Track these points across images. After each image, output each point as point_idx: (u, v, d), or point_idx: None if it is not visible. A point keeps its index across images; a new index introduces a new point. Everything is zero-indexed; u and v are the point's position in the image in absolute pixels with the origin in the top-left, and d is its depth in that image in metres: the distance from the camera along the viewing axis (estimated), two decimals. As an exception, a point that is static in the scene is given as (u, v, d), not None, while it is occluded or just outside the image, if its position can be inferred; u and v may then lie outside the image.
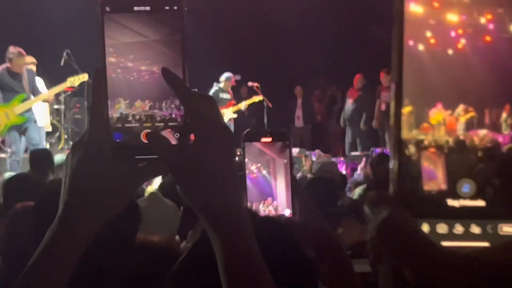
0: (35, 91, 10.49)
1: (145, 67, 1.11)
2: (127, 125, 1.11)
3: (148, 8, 1.09)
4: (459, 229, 0.77)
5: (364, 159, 9.12)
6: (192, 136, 1.08)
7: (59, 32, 14.07)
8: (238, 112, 13.61)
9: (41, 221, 1.93)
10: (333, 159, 11.80)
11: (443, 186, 0.76)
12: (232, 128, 13.88)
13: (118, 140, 1.10)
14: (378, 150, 13.78)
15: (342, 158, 13.12)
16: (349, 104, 14.91)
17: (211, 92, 13.53)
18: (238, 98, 14.14)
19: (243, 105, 13.62)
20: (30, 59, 10.76)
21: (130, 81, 1.11)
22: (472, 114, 0.77)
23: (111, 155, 1.08)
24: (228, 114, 13.40)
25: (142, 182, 1.14)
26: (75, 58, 12.65)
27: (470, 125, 0.77)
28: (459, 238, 0.76)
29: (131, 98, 1.11)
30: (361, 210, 1.98)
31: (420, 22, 0.81)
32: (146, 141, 1.09)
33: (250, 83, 14.20)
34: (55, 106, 13.02)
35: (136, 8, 1.09)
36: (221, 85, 13.59)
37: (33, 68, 10.88)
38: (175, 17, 1.10)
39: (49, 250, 1.07)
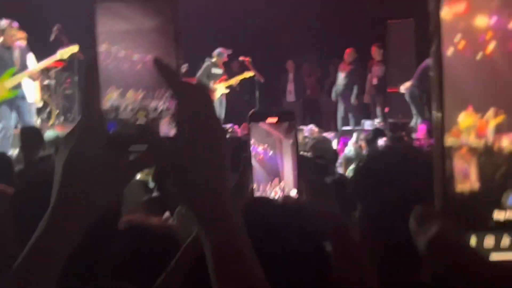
0: (25, 67, 10.38)
1: (137, 55, 1.09)
2: (120, 116, 1.10)
3: None
4: (506, 241, 0.77)
5: (354, 134, 9.14)
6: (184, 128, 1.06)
7: (49, 6, 13.97)
8: (229, 87, 13.59)
9: (23, 208, 1.90)
10: (325, 134, 11.81)
11: (489, 197, 0.76)
12: (223, 103, 13.93)
13: (112, 131, 1.08)
14: (369, 122, 13.83)
15: (333, 134, 13.13)
16: (341, 78, 14.89)
17: (204, 67, 13.50)
18: (229, 73, 14.11)
19: (234, 80, 13.59)
20: (21, 34, 10.65)
21: (122, 70, 1.10)
22: (503, 116, 0.77)
23: (105, 146, 1.06)
24: (220, 89, 13.37)
25: (135, 174, 1.11)
26: (65, 33, 12.53)
27: (500, 128, 0.77)
28: (507, 250, 0.76)
29: (123, 88, 1.10)
30: (353, 188, 1.98)
31: (451, 27, 0.81)
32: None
33: (241, 58, 14.16)
34: (46, 82, 12.95)
35: None
36: (214, 60, 13.56)
37: (24, 43, 10.77)
38: (168, 5, 1.09)
39: (42, 243, 1.05)
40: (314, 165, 4.34)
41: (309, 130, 12.28)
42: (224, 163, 1.05)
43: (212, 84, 13.43)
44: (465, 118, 0.77)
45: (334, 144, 9.29)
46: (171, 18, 1.09)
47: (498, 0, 0.80)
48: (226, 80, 13.66)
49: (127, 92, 1.10)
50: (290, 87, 16.35)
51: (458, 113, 0.77)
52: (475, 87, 0.78)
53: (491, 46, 0.80)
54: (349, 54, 14.74)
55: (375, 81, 14.59)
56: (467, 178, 0.75)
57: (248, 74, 13.56)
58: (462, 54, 0.80)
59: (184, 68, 12.73)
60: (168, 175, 1.05)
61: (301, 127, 12.06)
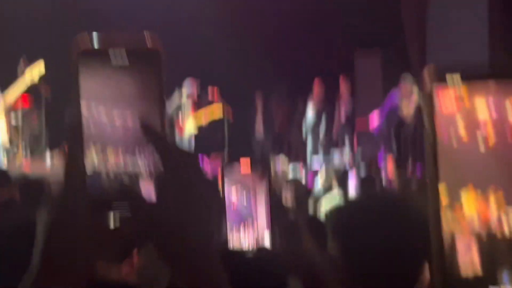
0: None
1: (117, 110, 1.06)
2: (101, 174, 1.06)
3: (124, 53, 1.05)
4: None
5: (323, 169, 9.16)
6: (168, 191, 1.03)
7: (15, 38, 13.92)
8: (199, 128, 13.63)
9: None
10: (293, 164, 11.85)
11: (485, 274, 0.77)
12: (192, 144, 13.90)
13: (93, 188, 1.05)
14: (337, 154, 13.89)
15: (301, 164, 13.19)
16: (309, 110, 14.93)
17: (173, 99, 13.49)
18: (198, 103, 14.14)
19: (203, 121, 13.63)
20: None
21: (101, 126, 1.06)
22: (501, 193, 0.80)
23: (88, 205, 1.03)
24: (189, 126, 13.39)
25: (119, 240, 1.08)
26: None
27: (500, 204, 0.81)
28: None
29: (102, 145, 1.06)
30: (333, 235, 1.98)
31: (448, 117, 0.88)
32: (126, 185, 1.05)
33: (209, 88, 14.21)
34: (13, 122, 12.85)
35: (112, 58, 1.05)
36: (183, 90, 13.61)
37: None
38: (153, 62, 1.06)
39: None
40: (286, 208, 4.37)
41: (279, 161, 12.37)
42: (211, 231, 1.05)
43: (181, 117, 13.43)
44: (467, 197, 0.80)
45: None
46: (156, 73, 1.06)
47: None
48: (196, 111, 13.69)
49: (106, 150, 1.06)
50: (259, 119, 16.34)
51: (460, 190, 0.80)
52: (474, 167, 0.82)
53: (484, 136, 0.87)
54: (317, 86, 14.83)
55: (343, 120, 14.62)
56: (466, 255, 0.76)
57: (217, 110, 13.59)
58: (459, 142, 0.87)
59: None
60: (151, 240, 1.03)
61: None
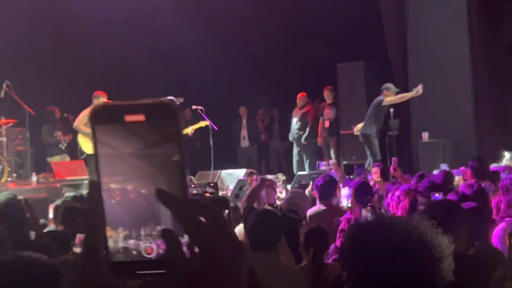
0: None
1: (116, 185, 1.00)
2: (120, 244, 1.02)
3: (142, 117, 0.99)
4: None
5: (310, 181, 9.15)
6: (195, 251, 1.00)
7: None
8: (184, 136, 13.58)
9: None
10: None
11: None
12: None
13: (115, 258, 1.01)
14: (323, 163, 13.92)
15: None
16: (294, 123, 15.00)
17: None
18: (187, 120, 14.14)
19: (189, 129, 13.59)
20: None
21: (116, 201, 1.00)
22: None
23: (110, 274, 1.00)
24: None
25: None
26: (15, 90, 12.46)
27: None
28: None
29: (118, 222, 1.01)
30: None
31: None
32: (149, 256, 1.00)
33: (194, 106, 14.17)
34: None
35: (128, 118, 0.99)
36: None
37: None
38: (174, 129, 0.99)
39: None
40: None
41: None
42: (241, 282, 1.01)
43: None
44: None
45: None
46: (177, 143, 0.99)
47: None
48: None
49: (124, 227, 1.01)
50: (244, 132, 16.44)
51: None
52: None
53: None
54: (300, 98, 14.88)
55: (327, 124, 14.73)
56: None
57: (204, 123, 13.56)
58: None
59: None
60: None
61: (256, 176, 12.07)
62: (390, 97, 12.33)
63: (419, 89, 11.99)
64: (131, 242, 1.00)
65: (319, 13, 14.99)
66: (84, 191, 10.72)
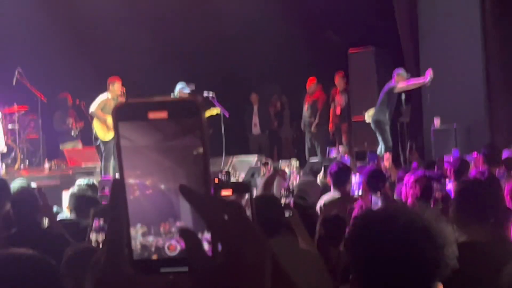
0: None
1: (134, 179, 0.99)
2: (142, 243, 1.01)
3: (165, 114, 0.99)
4: None
5: (322, 168, 9.14)
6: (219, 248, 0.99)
7: (9, 50, 13.92)
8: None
9: None
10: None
11: None
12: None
13: (138, 255, 1.00)
14: (334, 150, 13.93)
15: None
16: (304, 110, 14.99)
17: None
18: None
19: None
20: None
21: (140, 198, 0.99)
22: None
23: (133, 270, 1.00)
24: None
25: None
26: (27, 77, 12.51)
27: None
28: None
29: (143, 220, 1.00)
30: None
31: None
32: (172, 252, 1.00)
33: (205, 93, 14.16)
34: (10, 126, 12.88)
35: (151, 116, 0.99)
36: (177, 95, 13.54)
37: None
38: (198, 125, 0.99)
39: None
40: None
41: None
42: (265, 279, 1.00)
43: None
44: None
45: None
46: (200, 138, 0.99)
47: None
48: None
49: (147, 225, 1.01)
50: (255, 119, 16.44)
51: None
52: None
53: None
54: (310, 84, 14.86)
55: (338, 110, 14.72)
56: None
57: (215, 110, 13.55)
58: None
59: None
60: None
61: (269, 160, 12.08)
62: (402, 83, 12.29)
63: (430, 73, 11.95)
64: (150, 238, 1.00)
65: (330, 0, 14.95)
66: (96, 179, 10.77)
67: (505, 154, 8.67)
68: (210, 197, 0.99)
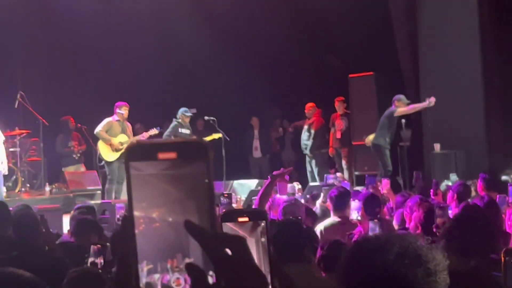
0: None
1: (142, 213, 1.02)
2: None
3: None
4: None
5: (322, 192, 9.16)
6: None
7: (11, 74, 14.00)
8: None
9: None
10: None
11: None
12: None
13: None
14: (331, 176, 13.95)
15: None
16: (303, 133, 15.07)
17: (171, 126, 13.53)
18: (194, 132, 14.19)
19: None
20: None
21: (149, 234, 1.02)
22: None
23: None
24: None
25: None
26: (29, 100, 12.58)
27: None
28: None
29: (150, 256, 1.02)
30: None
31: None
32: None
33: (206, 117, 14.26)
34: (11, 149, 12.92)
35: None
36: (179, 120, 13.63)
37: None
38: (204, 163, 1.03)
39: None
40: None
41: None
42: None
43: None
44: None
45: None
46: (207, 175, 1.03)
47: None
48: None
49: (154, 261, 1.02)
50: (256, 143, 16.50)
51: None
52: None
53: None
54: (308, 109, 14.96)
55: (338, 134, 14.77)
56: None
57: (217, 135, 13.64)
58: None
59: (156, 131, 12.83)
60: None
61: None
62: (402, 108, 12.36)
63: (431, 101, 12.00)
64: (156, 277, 1.01)
65: (331, 25, 15.03)
66: (96, 202, 10.81)
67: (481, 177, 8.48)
68: (215, 233, 1.02)
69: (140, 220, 1.02)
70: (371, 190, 11.51)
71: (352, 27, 14.73)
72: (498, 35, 13.06)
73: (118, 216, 8.87)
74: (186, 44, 15.91)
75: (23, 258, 4.92)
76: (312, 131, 14.82)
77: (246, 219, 1.53)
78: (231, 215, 1.54)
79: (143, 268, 1.02)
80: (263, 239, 1.52)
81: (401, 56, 14.15)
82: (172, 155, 1.03)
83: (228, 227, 1.58)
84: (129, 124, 12.62)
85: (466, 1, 13.20)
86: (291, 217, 6.27)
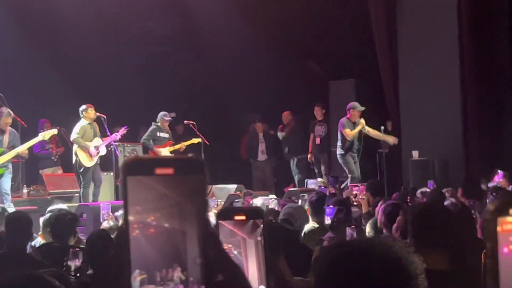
0: (12, 148, 11.21)
1: (134, 217, 1.03)
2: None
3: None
4: None
5: (299, 200, 9.19)
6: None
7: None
8: (174, 152, 13.57)
9: None
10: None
11: None
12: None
13: None
14: (312, 181, 14.00)
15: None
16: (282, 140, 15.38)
17: (150, 130, 13.51)
18: (174, 136, 14.16)
19: (181, 146, 13.63)
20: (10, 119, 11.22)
21: (143, 245, 1.02)
22: None
23: None
24: (165, 153, 13.39)
25: None
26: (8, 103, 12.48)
27: None
28: None
29: (144, 267, 1.02)
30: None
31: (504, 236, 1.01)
32: None
33: (186, 121, 14.25)
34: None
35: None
36: (159, 124, 13.61)
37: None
38: (201, 181, 1.05)
39: None
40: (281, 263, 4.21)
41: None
42: None
43: (156, 148, 13.44)
44: None
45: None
46: (202, 192, 1.05)
47: None
48: (173, 145, 13.69)
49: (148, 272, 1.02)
50: (262, 146, 16.51)
51: None
52: None
53: None
54: (284, 116, 15.13)
55: (318, 141, 14.83)
56: None
57: (196, 140, 13.63)
58: None
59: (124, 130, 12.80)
60: None
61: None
62: (348, 130, 12.63)
63: (394, 141, 12.58)
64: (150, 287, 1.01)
65: (311, 31, 15.09)
66: (74, 205, 10.78)
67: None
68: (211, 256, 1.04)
69: (134, 226, 1.03)
70: (332, 191, 11.66)
71: (332, 33, 14.79)
72: (477, 44, 13.17)
73: (102, 212, 8.88)
74: (167, 53, 15.90)
75: (9, 257, 4.98)
76: (284, 136, 15.09)
77: (244, 217, 1.50)
78: (228, 213, 1.52)
79: (135, 277, 1.01)
80: (259, 238, 1.49)
81: (381, 63, 14.22)
82: (169, 170, 1.05)
83: (228, 229, 1.53)
84: (96, 125, 12.57)
85: (446, 10, 13.29)
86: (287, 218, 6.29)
